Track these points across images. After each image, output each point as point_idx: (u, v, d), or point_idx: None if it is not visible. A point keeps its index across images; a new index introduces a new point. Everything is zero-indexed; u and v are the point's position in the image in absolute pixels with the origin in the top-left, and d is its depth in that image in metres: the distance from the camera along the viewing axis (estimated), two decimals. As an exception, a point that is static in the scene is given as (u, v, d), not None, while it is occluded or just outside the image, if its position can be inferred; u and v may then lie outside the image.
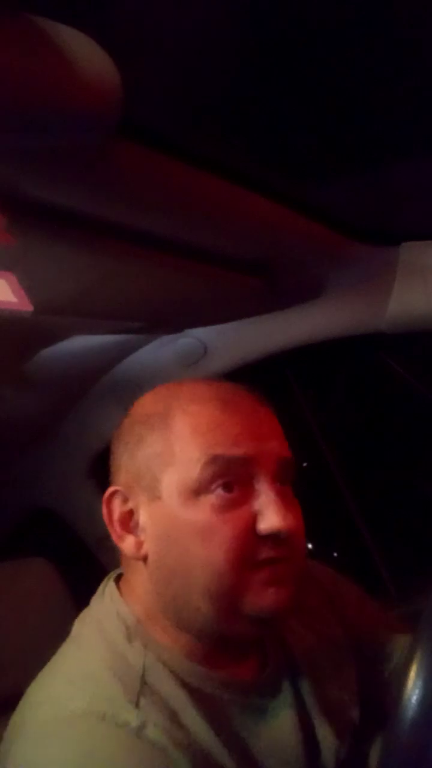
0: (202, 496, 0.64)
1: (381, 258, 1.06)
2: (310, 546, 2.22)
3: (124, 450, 0.70)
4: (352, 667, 0.79)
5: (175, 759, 0.59)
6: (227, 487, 0.64)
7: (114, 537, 0.69)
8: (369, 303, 1.10)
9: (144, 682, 0.63)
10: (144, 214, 0.75)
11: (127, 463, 0.70)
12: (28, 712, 0.65)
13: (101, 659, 0.65)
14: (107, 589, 0.73)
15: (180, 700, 0.64)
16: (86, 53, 0.49)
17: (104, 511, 0.70)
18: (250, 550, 0.63)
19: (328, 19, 0.58)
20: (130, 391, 1.31)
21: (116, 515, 0.69)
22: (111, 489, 0.70)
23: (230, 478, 0.64)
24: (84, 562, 1.44)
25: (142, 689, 0.63)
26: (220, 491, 0.63)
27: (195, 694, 0.65)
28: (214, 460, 0.63)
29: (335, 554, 2.16)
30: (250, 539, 0.63)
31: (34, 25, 0.46)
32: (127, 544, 0.68)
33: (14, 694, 0.82)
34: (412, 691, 0.61)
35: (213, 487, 0.63)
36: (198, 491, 0.64)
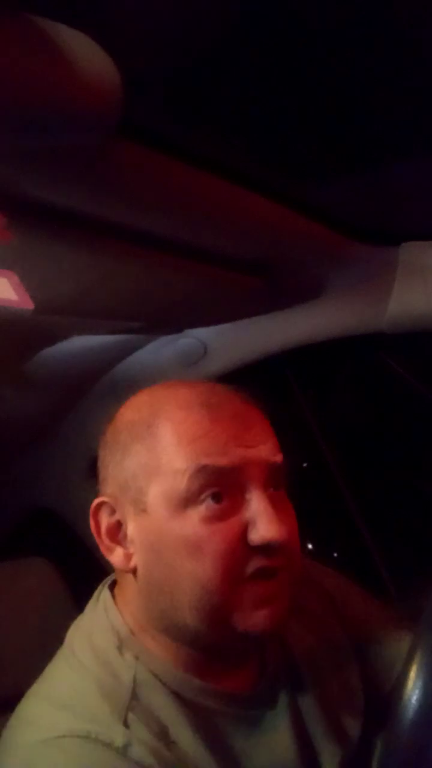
0: (191, 508, 0.61)
1: (381, 258, 1.06)
2: (310, 546, 2.22)
3: (110, 460, 0.68)
4: (355, 672, 0.77)
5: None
6: (216, 497, 0.61)
7: (102, 549, 0.67)
8: (369, 303, 1.10)
9: (134, 697, 0.62)
10: (144, 214, 0.75)
11: (113, 473, 0.67)
12: (15, 734, 0.64)
13: (89, 675, 0.64)
14: (102, 596, 0.71)
15: (172, 714, 0.62)
16: (86, 53, 0.49)
17: (92, 523, 0.67)
18: (241, 563, 0.60)
19: (328, 18, 0.58)
20: (130, 391, 1.31)
21: (104, 527, 0.66)
22: (97, 500, 0.68)
23: (219, 488, 0.61)
24: (84, 562, 1.43)
25: (130, 705, 0.61)
26: (209, 502, 0.60)
27: (188, 706, 0.63)
28: (201, 470, 0.60)
29: (335, 554, 2.16)
30: (241, 551, 0.60)
31: (34, 25, 0.46)
32: (115, 557, 0.66)
33: (14, 694, 0.82)
34: (412, 691, 0.61)
35: (201, 498, 0.61)
36: (186, 503, 0.61)
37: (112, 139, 0.60)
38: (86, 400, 1.34)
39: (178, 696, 0.63)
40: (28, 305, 0.71)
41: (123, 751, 0.58)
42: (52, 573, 1.20)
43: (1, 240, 0.63)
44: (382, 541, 1.92)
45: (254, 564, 0.60)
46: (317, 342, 1.17)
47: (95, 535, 0.67)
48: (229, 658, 0.67)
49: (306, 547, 2.26)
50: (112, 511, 0.67)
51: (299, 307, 1.13)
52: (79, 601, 1.19)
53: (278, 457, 0.65)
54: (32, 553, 1.25)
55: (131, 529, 0.65)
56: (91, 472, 1.43)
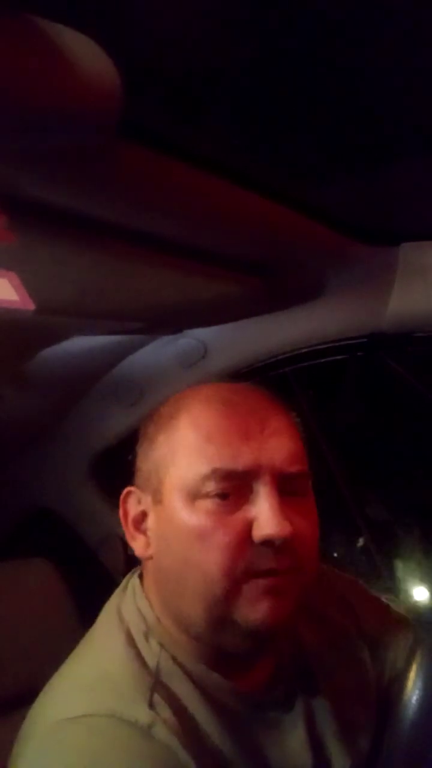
0: (199, 501, 0.63)
1: (381, 258, 1.05)
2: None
3: (140, 451, 0.71)
4: (370, 682, 0.77)
5: (183, 760, 0.58)
6: (223, 495, 0.63)
7: (127, 536, 0.70)
8: (369, 303, 1.10)
9: (159, 681, 0.63)
10: (144, 214, 0.75)
11: (141, 464, 0.71)
12: (40, 712, 0.65)
13: (116, 658, 0.65)
14: (131, 583, 0.73)
15: (194, 702, 0.63)
16: (86, 53, 0.49)
17: (120, 510, 0.70)
18: (246, 559, 0.61)
19: (327, 19, 0.58)
20: (130, 391, 1.32)
21: (131, 516, 0.69)
22: (127, 489, 0.71)
23: (228, 488, 0.63)
24: (84, 563, 1.44)
25: (155, 687, 0.62)
26: (216, 498, 0.63)
27: (209, 697, 0.64)
28: (213, 473, 0.63)
29: (335, 554, 2.16)
30: (245, 547, 0.61)
31: (34, 26, 0.46)
32: (137, 544, 0.69)
33: (15, 693, 0.82)
34: (412, 691, 0.61)
35: (212, 494, 0.63)
36: (195, 496, 0.63)
37: (112, 139, 0.60)
38: (86, 400, 1.34)
39: (200, 687, 0.64)
40: (29, 306, 0.71)
41: (147, 731, 0.58)
42: (52, 573, 1.20)
43: (2, 240, 0.63)
44: (382, 541, 1.92)
45: (260, 564, 0.61)
46: (317, 342, 1.17)
47: (122, 522, 0.70)
48: (237, 656, 0.66)
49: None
50: (139, 501, 0.69)
51: (299, 307, 1.13)
52: (79, 601, 1.19)
53: (292, 468, 0.65)
54: (32, 553, 1.25)
55: (150, 517, 0.68)
56: (91, 472, 1.44)
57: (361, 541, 1.98)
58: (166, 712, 0.61)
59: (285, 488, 0.64)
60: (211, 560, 0.61)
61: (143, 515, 0.69)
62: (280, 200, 0.85)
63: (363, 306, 1.11)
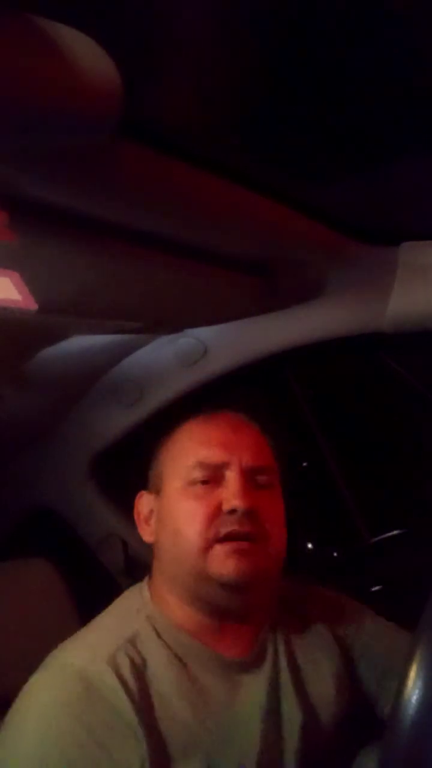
0: (188, 488, 0.85)
1: (381, 258, 1.06)
2: (309, 546, 2.22)
3: (152, 466, 0.92)
4: (342, 685, 0.90)
5: (124, 709, 0.74)
6: (207, 479, 0.84)
7: (139, 530, 0.91)
8: (369, 303, 1.10)
9: (130, 642, 0.81)
10: (144, 214, 0.75)
11: (150, 473, 0.92)
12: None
13: (104, 626, 0.86)
14: (148, 575, 0.91)
15: (163, 664, 0.80)
16: (86, 53, 0.49)
17: (135, 511, 0.92)
18: (218, 526, 0.81)
19: (328, 19, 0.58)
20: (130, 391, 1.32)
21: (143, 514, 0.91)
22: (140, 493, 0.93)
23: (209, 476, 0.85)
24: (84, 563, 1.44)
25: (123, 647, 0.80)
26: (201, 482, 0.84)
27: (180, 661, 0.81)
28: (197, 464, 0.85)
29: (335, 554, 2.16)
30: (216, 517, 0.82)
31: (34, 25, 0.46)
32: (145, 534, 0.90)
33: (14, 694, 0.82)
34: (412, 691, 0.61)
35: (198, 480, 0.84)
36: (186, 484, 0.85)
37: (112, 139, 0.60)
38: (86, 400, 1.34)
39: (170, 649, 0.82)
40: (31, 305, 0.71)
41: (92, 680, 0.75)
42: (52, 574, 1.20)
43: (3, 239, 0.63)
44: (382, 541, 1.92)
45: (227, 527, 0.81)
46: (317, 342, 1.17)
47: (136, 519, 0.92)
48: (219, 615, 0.84)
49: (306, 546, 2.26)
50: (148, 502, 0.91)
51: (299, 307, 1.13)
52: (79, 601, 1.19)
53: (257, 462, 0.86)
54: (32, 552, 1.25)
55: (154, 512, 0.89)
56: (91, 472, 1.44)
57: (360, 540, 1.98)
58: (125, 669, 0.77)
59: (252, 481, 0.85)
60: (192, 529, 0.82)
61: (150, 513, 0.90)
62: (280, 200, 0.85)
63: (363, 306, 1.11)
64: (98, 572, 1.40)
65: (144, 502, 0.91)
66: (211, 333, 1.20)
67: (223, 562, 0.80)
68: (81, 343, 1.12)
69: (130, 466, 1.00)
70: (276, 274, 1.02)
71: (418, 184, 0.88)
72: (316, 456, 2.06)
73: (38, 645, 0.88)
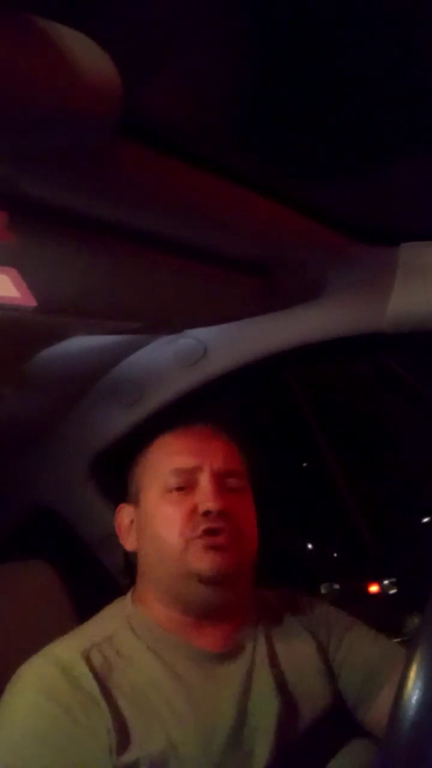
0: (166, 495, 0.91)
1: (381, 258, 1.06)
2: (310, 546, 2.22)
3: (129, 481, 0.98)
4: (322, 674, 0.93)
5: (88, 684, 0.81)
6: (181, 487, 0.90)
7: (121, 540, 0.97)
8: (369, 303, 1.10)
9: (107, 640, 0.87)
10: (144, 214, 0.75)
11: (129, 487, 0.98)
12: None
13: (87, 628, 0.92)
14: (133, 585, 0.97)
15: (133, 652, 0.86)
16: (86, 53, 0.49)
17: (116, 523, 0.98)
18: (194, 526, 0.87)
19: (328, 19, 0.58)
20: (130, 391, 1.32)
21: (123, 525, 0.97)
22: (120, 505, 0.99)
23: (183, 482, 0.91)
24: (84, 563, 1.44)
25: (99, 644, 0.86)
26: (177, 488, 0.90)
27: (157, 656, 0.86)
28: (173, 471, 0.91)
29: (335, 554, 2.16)
30: (194, 518, 0.88)
31: (34, 25, 0.46)
32: (127, 543, 0.96)
33: (14, 694, 0.81)
34: (412, 691, 0.61)
35: (174, 486, 0.90)
36: (163, 491, 0.91)
37: (113, 139, 0.60)
38: (86, 400, 1.34)
39: (145, 643, 0.87)
40: (30, 302, 0.71)
41: (69, 671, 0.82)
42: (51, 575, 1.20)
43: (2, 239, 0.63)
44: (382, 541, 1.92)
45: (202, 525, 0.87)
46: (317, 342, 1.17)
47: (117, 531, 0.98)
48: (199, 613, 0.89)
49: (306, 546, 2.26)
50: (128, 513, 0.97)
51: (299, 307, 1.13)
52: (78, 601, 1.19)
53: (226, 466, 0.92)
54: (32, 552, 1.25)
55: (134, 521, 0.95)
56: (91, 472, 1.44)
57: (359, 540, 1.98)
58: (97, 660, 0.83)
59: (224, 484, 0.91)
60: (171, 532, 0.88)
61: (131, 523, 0.96)
62: (280, 200, 0.85)
63: (363, 306, 1.11)
64: (98, 572, 1.40)
65: (124, 514, 0.97)
66: (211, 333, 1.20)
67: (202, 557, 0.86)
68: (81, 343, 1.12)
69: (130, 466, 1.00)
70: (276, 274, 1.02)
71: (418, 184, 0.88)
72: (316, 456, 2.07)
73: (37, 647, 0.88)
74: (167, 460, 0.93)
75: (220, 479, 0.91)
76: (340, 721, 0.91)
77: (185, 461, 0.92)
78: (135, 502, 0.96)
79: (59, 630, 0.94)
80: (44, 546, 1.41)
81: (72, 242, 0.74)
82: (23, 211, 0.65)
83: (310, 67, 0.64)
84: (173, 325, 1.17)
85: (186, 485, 0.90)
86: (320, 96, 0.69)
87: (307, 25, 0.58)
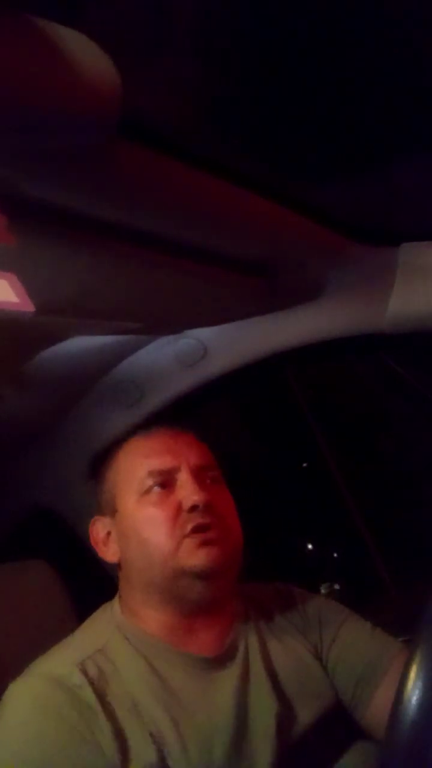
0: (145, 497, 0.89)
1: (381, 258, 1.06)
2: (310, 546, 2.22)
3: (98, 491, 0.97)
4: (318, 670, 0.92)
5: (95, 709, 0.78)
6: (161, 486, 0.89)
7: (100, 553, 0.93)
8: (369, 303, 1.10)
9: (100, 651, 0.84)
10: (144, 214, 0.75)
11: (100, 498, 0.96)
12: None
13: (77, 640, 0.89)
14: (118, 594, 0.95)
15: (127, 663, 0.84)
16: (86, 53, 0.49)
17: (91, 537, 0.94)
18: (182, 524, 0.86)
19: (328, 19, 0.58)
20: (130, 391, 1.32)
21: (99, 538, 0.93)
22: (93, 518, 0.95)
23: (162, 482, 0.89)
24: (84, 562, 1.44)
25: (93, 655, 0.84)
26: (156, 489, 0.88)
27: (150, 665, 0.84)
28: (149, 473, 0.89)
29: (335, 554, 2.16)
30: (180, 516, 0.86)
31: (34, 26, 0.46)
32: (107, 555, 0.93)
33: (14, 694, 0.81)
34: (412, 691, 0.61)
35: (152, 488, 0.89)
36: (142, 494, 0.89)
37: (112, 140, 0.60)
38: (86, 400, 1.34)
39: (139, 652, 0.85)
40: (29, 308, 0.71)
41: (67, 685, 0.79)
42: (51, 576, 1.20)
43: (2, 241, 0.63)
44: (382, 541, 1.92)
45: (191, 522, 0.85)
46: (317, 342, 1.17)
47: (93, 545, 0.94)
48: (191, 612, 0.87)
49: (306, 546, 2.26)
50: (103, 525, 0.93)
51: (299, 307, 1.13)
52: (78, 602, 1.19)
53: (201, 461, 0.92)
54: (32, 553, 1.25)
55: (112, 531, 0.92)
56: (91, 472, 1.44)
57: (358, 539, 1.98)
58: (93, 671, 0.81)
59: (201, 478, 0.89)
60: (159, 533, 0.86)
61: (108, 534, 0.93)
62: (280, 200, 0.85)
63: (363, 306, 1.11)
64: (98, 572, 1.40)
65: (99, 527, 0.94)
66: (211, 333, 1.20)
67: (195, 554, 0.84)
68: (81, 343, 1.12)
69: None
70: (276, 274, 1.02)
71: (418, 184, 0.88)
72: (316, 456, 2.07)
73: (37, 648, 0.88)
74: (141, 463, 0.91)
75: (199, 474, 0.90)
76: (344, 721, 0.89)
77: (161, 462, 0.90)
78: (110, 511, 0.93)
79: (59, 630, 0.94)
80: (44, 546, 1.41)
81: (72, 243, 0.74)
82: (23, 212, 0.64)
83: (310, 68, 0.64)
84: (173, 326, 1.17)
85: (165, 485, 0.89)
86: (320, 96, 0.69)
87: (307, 25, 0.58)
